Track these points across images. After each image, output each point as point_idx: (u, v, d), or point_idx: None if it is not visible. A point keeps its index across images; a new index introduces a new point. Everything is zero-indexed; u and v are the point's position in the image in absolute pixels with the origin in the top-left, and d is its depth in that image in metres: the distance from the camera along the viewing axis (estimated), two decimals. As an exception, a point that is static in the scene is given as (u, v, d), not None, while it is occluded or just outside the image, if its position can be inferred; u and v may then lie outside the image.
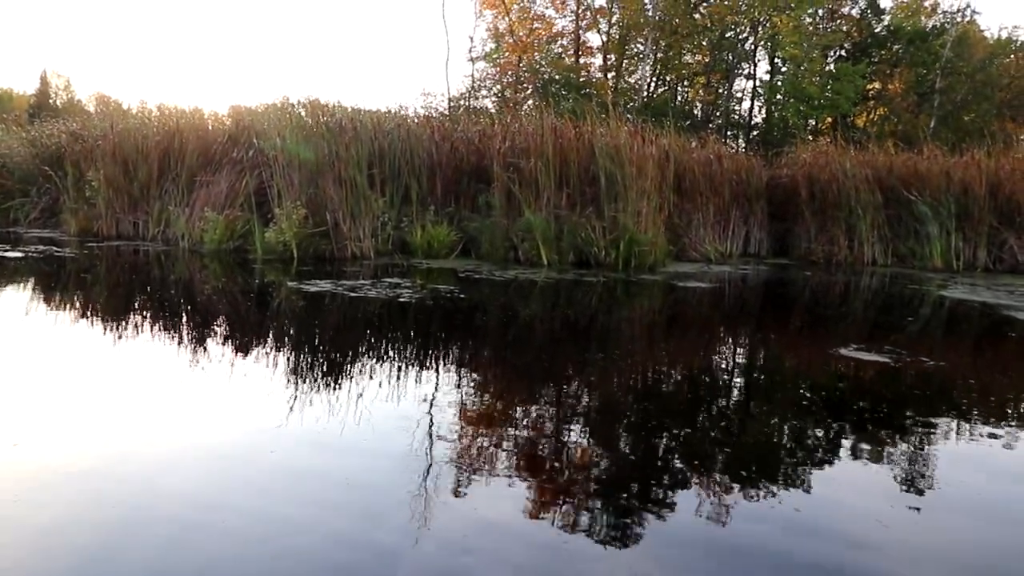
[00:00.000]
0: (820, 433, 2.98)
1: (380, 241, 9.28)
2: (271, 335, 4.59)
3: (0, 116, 19.17)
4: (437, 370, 3.81)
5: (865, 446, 2.79)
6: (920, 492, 2.34)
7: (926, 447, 2.79)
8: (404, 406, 3.02)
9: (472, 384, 3.57)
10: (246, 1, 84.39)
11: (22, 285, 6.32)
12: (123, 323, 4.77)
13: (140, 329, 4.54)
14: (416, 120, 11.43)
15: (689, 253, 10.55)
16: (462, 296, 6.28)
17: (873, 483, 2.41)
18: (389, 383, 3.37)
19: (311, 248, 8.84)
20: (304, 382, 3.37)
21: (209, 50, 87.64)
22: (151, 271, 7.60)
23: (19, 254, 8.33)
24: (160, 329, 4.54)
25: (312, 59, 71.03)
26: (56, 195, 12.06)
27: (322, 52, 71.68)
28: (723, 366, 4.37)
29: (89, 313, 5.12)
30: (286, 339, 4.47)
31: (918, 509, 2.19)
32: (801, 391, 3.75)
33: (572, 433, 2.84)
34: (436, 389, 3.35)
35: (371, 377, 3.49)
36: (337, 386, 3.31)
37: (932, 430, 3.00)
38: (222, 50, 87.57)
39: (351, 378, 3.49)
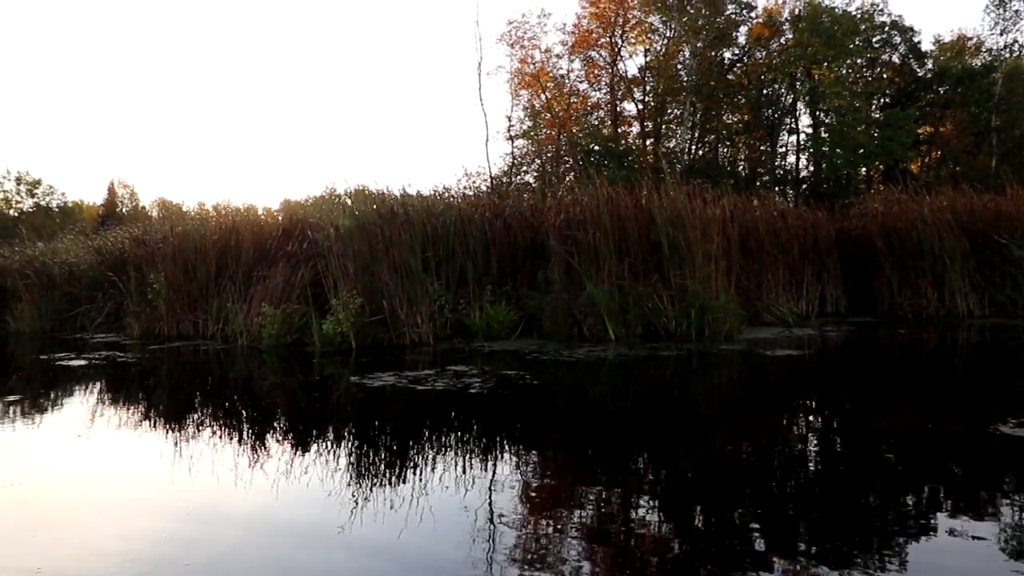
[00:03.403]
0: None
1: (438, 326, 8.97)
2: (340, 438, 4.19)
3: (68, 227, 20.16)
4: (526, 469, 3.32)
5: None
6: None
7: None
8: (504, 513, 2.54)
9: (566, 483, 3.06)
10: (281, 95, 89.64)
11: (88, 394, 6.15)
12: (188, 427, 4.46)
13: (205, 434, 4.21)
14: (467, 199, 11.34)
15: (763, 317, 9.90)
16: (535, 382, 5.81)
17: None
18: (479, 485, 2.90)
19: (369, 337, 8.58)
20: (387, 493, 2.93)
21: (258, 146, 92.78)
22: (212, 371, 7.41)
23: (83, 362, 8.28)
24: (227, 434, 4.20)
25: (351, 146, 74.26)
26: (120, 299, 12.28)
27: (360, 139, 74.93)
28: (860, 455, 3.73)
29: (154, 417, 4.84)
30: (357, 442, 4.05)
31: None
32: (987, 495, 3.02)
33: (682, 544, 2.30)
34: (528, 489, 2.87)
35: (457, 481, 3.02)
36: (420, 492, 2.86)
37: None
38: (269, 145, 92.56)
39: (432, 482, 3.03)
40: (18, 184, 55.71)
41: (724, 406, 5.17)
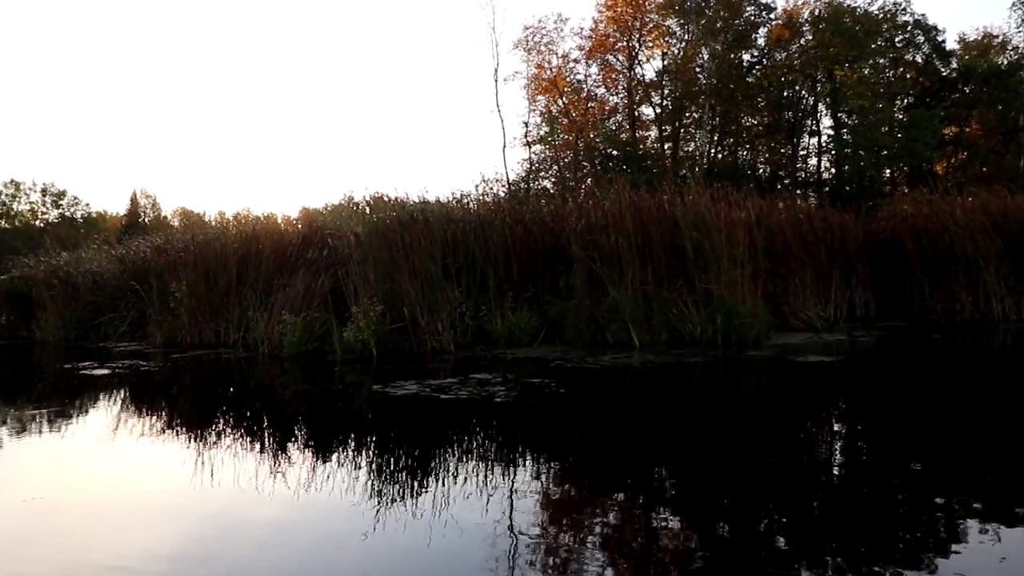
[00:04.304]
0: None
1: (459, 333, 8.88)
2: (366, 448, 4.09)
3: (91, 237, 20.40)
4: (556, 481, 3.19)
5: None
6: None
7: None
8: (533, 527, 2.42)
9: (599, 497, 2.92)
10: (299, 104, 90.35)
11: (112, 403, 6.13)
12: (211, 436, 4.39)
13: (228, 443, 4.13)
14: (486, 205, 11.26)
15: (791, 322, 9.69)
16: (561, 391, 5.68)
17: None
18: (508, 498, 2.78)
19: (390, 345, 8.50)
20: (413, 504, 2.82)
21: (277, 155, 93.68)
22: (234, 380, 7.37)
23: (107, 371, 8.29)
24: (250, 443, 4.12)
25: (369, 153, 74.77)
26: (142, 308, 12.33)
27: (378, 146, 75.41)
28: (900, 467, 3.53)
29: (178, 426, 4.79)
30: (383, 452, 3.95)
31: None
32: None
33: (713, 557, 2.16)
34: (558, 503, 2.75)
35: (485, 493, 2.90)
36: (447, 504, 2.74)
37: None
38: (288, 154, 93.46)
39: (459, 495, 2.91)
40: (44, 195, 56.84)
41: (756, 415, 5.00)
